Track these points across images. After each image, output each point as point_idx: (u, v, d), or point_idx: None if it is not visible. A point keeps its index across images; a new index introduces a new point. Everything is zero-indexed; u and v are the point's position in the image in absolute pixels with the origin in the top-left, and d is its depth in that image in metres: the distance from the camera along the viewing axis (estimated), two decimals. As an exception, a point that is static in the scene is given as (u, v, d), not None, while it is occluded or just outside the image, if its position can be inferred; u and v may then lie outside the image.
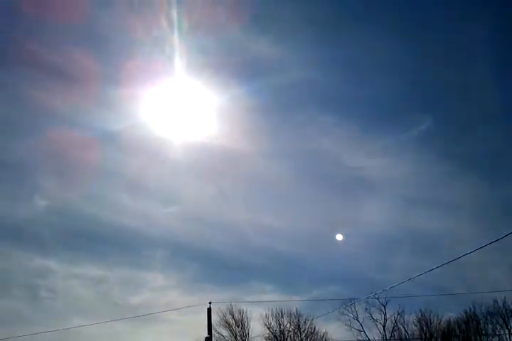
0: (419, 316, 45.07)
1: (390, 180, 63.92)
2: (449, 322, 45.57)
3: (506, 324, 42.37)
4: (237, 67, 50.29)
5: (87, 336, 47.20)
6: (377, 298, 43.22)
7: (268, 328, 43.13)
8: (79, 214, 64.96)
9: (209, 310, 29.38)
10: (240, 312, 43.07)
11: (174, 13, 37.23)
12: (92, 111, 60.97)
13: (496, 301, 42.57)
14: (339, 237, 50.40)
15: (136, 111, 59.39)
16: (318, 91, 60.65)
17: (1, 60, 57.52)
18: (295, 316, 43.88)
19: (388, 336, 44.41)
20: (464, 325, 44.88)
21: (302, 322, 43.73)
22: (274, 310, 43.76)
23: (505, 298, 42.02)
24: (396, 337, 44.65)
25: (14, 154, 62.86)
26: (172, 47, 39.80)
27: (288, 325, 43.68)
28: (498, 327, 42.88)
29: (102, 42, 56.50)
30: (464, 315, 44.55)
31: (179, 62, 40.66)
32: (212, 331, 30.96)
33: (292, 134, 61.76)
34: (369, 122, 66.83)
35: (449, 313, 46.92)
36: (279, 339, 42.83)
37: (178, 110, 48.24)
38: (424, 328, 44.82)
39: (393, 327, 44.71)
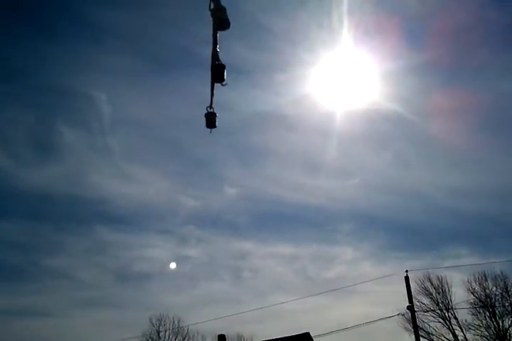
0: None
1: None
2: None
3: None
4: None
5: (289, 312, 48.92)
6: None
7: (472, 293, 40.20)
8: (264, 197, 67.49)
9: (407, 279, 28.35)
10: (439, 278, 40.68)
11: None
12: (260, 95, 63.39)
13: None
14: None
15: (301, 89, 60.00)
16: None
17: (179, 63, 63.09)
18: (500, 279, 40.33)
19: None
20: None
21: (510, 284, 40.04)
22: (476, 275, 40.73)
23: None
24: None
25: (201, 150, 67.91)
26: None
27: (494, 289, 40.40)
28: None
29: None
30: None
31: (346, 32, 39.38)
32: (413, 299, 30.20)
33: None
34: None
35: None
36: (485, 303, 39.81)
37: (338, 81, 46.37)
38: None
39: None
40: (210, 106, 4.70)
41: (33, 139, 63.25)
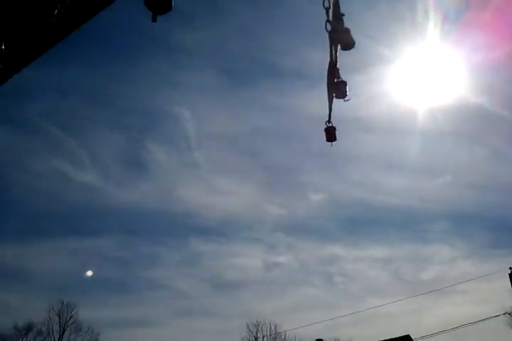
0: None
1: None
2: None
3: None
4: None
5: (385, 315, 48.17)
6: None
7: None
8: (351, 201, 67.76)
9: (511, 276, 27.13)
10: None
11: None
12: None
13: None
14: None
15: (379, 87, 59.26)
16: None
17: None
18: None
19: None
20: None
21: None
22: None
23: None
24: None
25: (283, 159, 68.94)
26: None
27: None
28: None
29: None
30: None
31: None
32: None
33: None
34: None
35: None
36: None
37: (421, 77, 45.45)
38: None
39: None
40: (329, 121, 4.91)
41: (125, 159, 66.32)
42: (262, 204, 67.55)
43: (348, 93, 4.68)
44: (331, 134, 4.78)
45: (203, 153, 67.88)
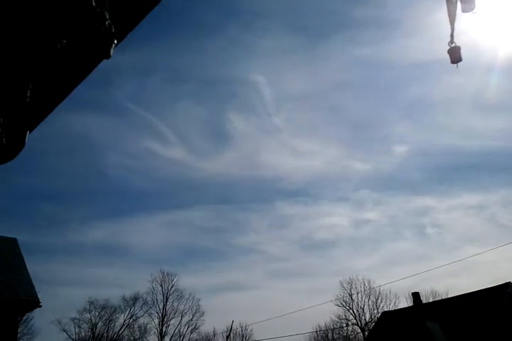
0: None
1: None
2: None
3: None
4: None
5: (484, 263, 47.43)
6: None
7: None
8: (437, 149, 66.51)
9: None
10: None
11: None
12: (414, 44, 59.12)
13: None
14: None
15: (459, 26, 56.59)
16: None
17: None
18: None
19: None
20: None
21: None
22: None
23: None
24: None
25: (363, 113, 66.67)
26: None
27: None
28: None
29: None
30: None
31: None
32: None
33: None
34: None
35: None
36: None
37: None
38: None
39: None
40: (452, 41, 4.43)
41: (208, 131, 68.34)
42: (345, 161, 67.35)
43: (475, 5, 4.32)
44: (455, 55, 4.44)
45: (282, 117, 68.40)
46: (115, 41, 2.02)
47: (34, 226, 66.88)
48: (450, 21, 4.36)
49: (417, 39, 60.51)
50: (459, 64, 4.55)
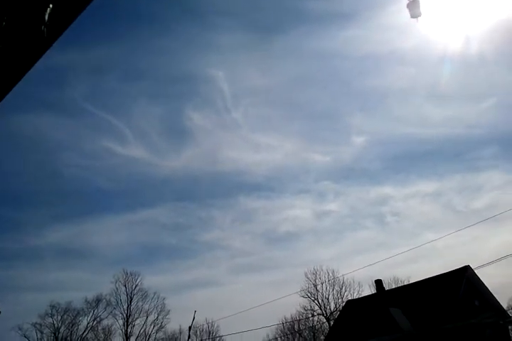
0: None
1: None
2: None
3: None
4: None
5: (443, 248, 48.38)
6: None
7: None
8: (394, 138, 68.31)
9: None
10: None
11: None
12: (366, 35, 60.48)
13: None
14: None
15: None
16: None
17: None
18: None
19: None
20: None
21: None
22: None
23: None
24: None
25: (320, 105, 67.43)
26: None
27: None
28: None
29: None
30: None
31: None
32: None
33: None
34: None
35: None
36: None
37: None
38: None
39: None
40: None
41: (167, 129, 67.31)
42: (305, 154, 67.68)
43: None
44: (415, 9, 4.40)
45: (241, 112, 68.52)
46: (50, 5, 1.92)
47: (-12, 231, 64.40)
48: None
49: (370, 31, 61.65)
50: (418, 19, 4.53)
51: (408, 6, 4.52)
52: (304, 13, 61.44)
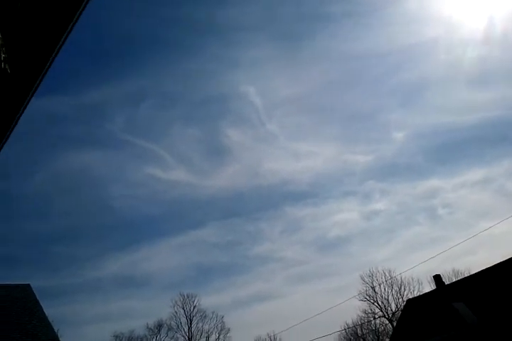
0: None
1: None
2: None
3: None
4: None
5: (501, 236, 46.50)
6: None
7: None
8: (435, 129, 66.55)
9: None
10: None
11: None
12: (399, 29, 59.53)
13: None
14: None
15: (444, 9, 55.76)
16: None
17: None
18: None
19: None
20: None
21: None
22: None
23: None
24: None
25: (355, 105, 67.61)
26: None
27: None
28: None
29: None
30: None
31: None
32: None
33: None
34: None
35: None
36: None
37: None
38: None
39: None
40: None
41: (206, 149, 68.37)
42: (346, 156, 67.35)
43: None
44: None
45: (276, 123, 68.75)
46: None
47: (49, 269, 66.56)
48: None
49: (396, 25, 60.86)
50: None
51: None
52: (324, 17, 61.45)
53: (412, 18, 56.53)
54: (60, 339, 17.81)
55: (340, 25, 61.44)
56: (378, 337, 49.64)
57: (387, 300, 47.73)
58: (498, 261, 26.77)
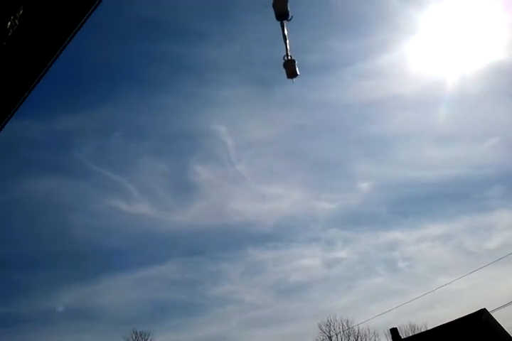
0: None
1: None
2: None
3: None
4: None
5: (458, 292, 45.82)
6: None
7: None
8: (399, 183, 64.17)
9: None
10: None
11: None
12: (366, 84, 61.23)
13: None
14: None
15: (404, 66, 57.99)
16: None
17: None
18: None
19: None
20: None
21: None
22: None
23: None
24: None
25: (323, 153, 66.13)
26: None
27: None
28: None
29: None
30: None
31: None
32: None
33: None
34: None
35: None
36: None
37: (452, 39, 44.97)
38: None
39: None
40: (287, 55, 4.48)
41: (173, 184, 67.13)
42: (312, 202, 66.45)
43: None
44: (291, 69, 4.38)
45: (245, 164, 68.47)
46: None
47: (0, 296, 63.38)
48: (284, 40, 4.47)
49: (367, 79, 63.41)
50: (294, 79, 4.55)
51: (284, 65, 4.60)
52: (301, 65, 63.21)
53: (383, 74, 58.76)
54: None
55: (313, 73, 63.86)
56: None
57: (344, 351, 47.07)
58: (455, 318, 27.04)
